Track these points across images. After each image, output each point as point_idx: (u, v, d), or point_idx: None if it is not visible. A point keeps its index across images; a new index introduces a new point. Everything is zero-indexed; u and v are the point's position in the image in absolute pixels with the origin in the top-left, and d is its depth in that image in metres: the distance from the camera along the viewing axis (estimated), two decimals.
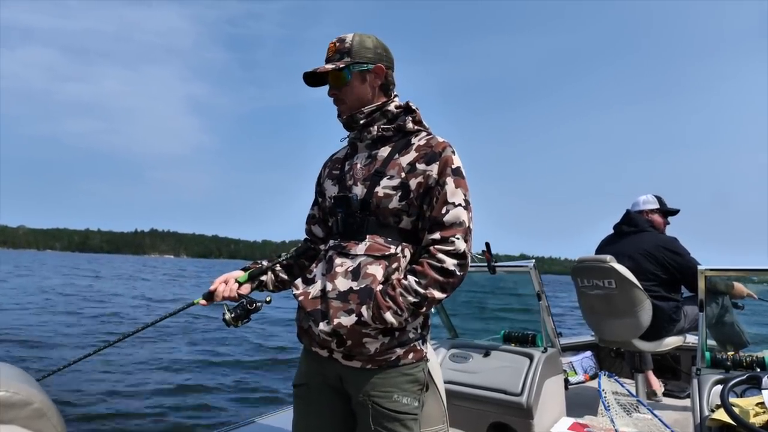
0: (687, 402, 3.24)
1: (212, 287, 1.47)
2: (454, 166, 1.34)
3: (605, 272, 3.06)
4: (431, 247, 1.31)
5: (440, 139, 1.39)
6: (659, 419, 2.66)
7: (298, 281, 1.44)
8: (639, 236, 3.24)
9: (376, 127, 1.42)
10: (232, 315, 1.44)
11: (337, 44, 1.42)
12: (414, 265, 1.32)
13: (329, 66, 1.40)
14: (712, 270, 2.28)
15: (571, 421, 2.61)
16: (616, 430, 2.55)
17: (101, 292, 20.25)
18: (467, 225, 1.33)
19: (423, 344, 1.39)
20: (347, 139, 1.51)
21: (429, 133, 1.43)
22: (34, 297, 16.86)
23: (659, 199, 3.42)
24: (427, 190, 1.33)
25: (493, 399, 2.51)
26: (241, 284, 1.49)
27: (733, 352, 2.14)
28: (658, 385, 3.33)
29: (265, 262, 1.55)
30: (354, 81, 1.41)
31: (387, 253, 1.32)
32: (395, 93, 1.48)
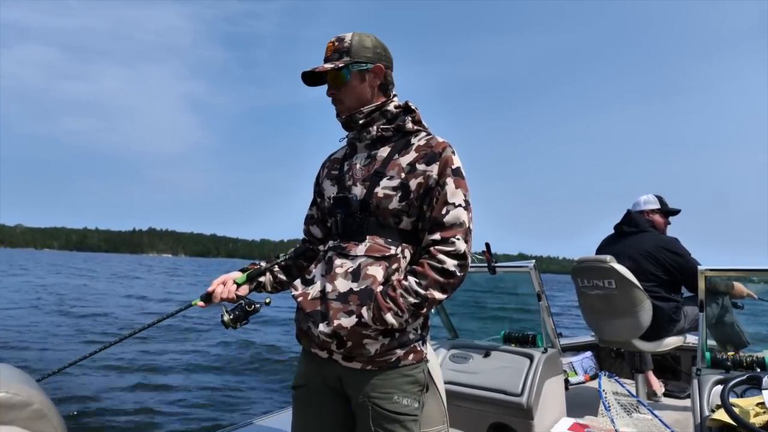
0: (687, 402, 3.24)
1: (210, 289, 1.46)
2: (454, 167, 1.34)
3: (605, 272, 3.06)
4: (431, 248, 1.30)
5: (440, 139, 1.38)
6: (659, 419, 2.66)
7: (297, 282, 1.43)
8: (640, 236, 3.23)
9: (375, 127, 1.42)
10: (231, 317, 1.43)
11: (336, 43, 1.41)
12: (414, 266, 1.31)
13: (328, 65, 1.39)
14: (712, 270, 2.28)
15: (571, 421, 2.61)
16: (616, 430, 2.54)
17: (94, 292, 20.17)
18: (467, 225, 1.32)
19: (423, 345, 1.38)
20: (346, 139, 1.50)
21: (428, 133, 1.42)
22: (27, 296, 16.84)
23: (660, 200, 3.41)
24: (427, 191, 1.33)
25: (493, 399, 2.51)
26: (239, 285, 1.47)
27: (733, 352, 2.14)
28: (658, 386, 3.33)
29: (263, 263, 1.54)
30: (353, 80, 1.40)
31: (387, 254, 1.31)
32: (394, 93, 1.48)
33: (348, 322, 1.26)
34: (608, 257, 3.06)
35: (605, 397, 2.73)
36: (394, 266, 1.31)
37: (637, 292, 3.00)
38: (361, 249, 1.32)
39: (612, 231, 3.46)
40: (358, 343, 1.27)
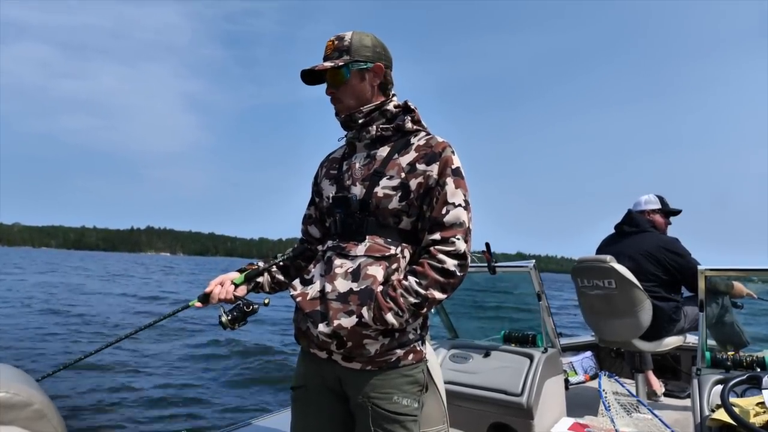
0: (687, 402, 3.24)
1: (208, 289, 1.45)
2: (453, 167, 1.34)
3: (605, 272, 3.06)
4: (432, 248, 1.30)
5: (440, 139, 1.38)
6: (659, 419, 2.66)
7: (296, 282, 1.42)
8: (640, 236, 3.23)
9: (375, 126, 1.41)
10: (229, 317, 1.42)
11: (336, 42, 1.40)
12: (414, 266, 1.31)
13: (328, 64, 1.38)
14: (712, 270, 2.28)
15: (571, 421, 2.61)
16: (616, 430, 2.54)
17: (87, 291, 20.11)
18: (467, 225, 1.32)
19: (422, 345, 1.38)
20: (345, 138, 1.49)
21: (428, 133, 1.42)
22: (18, 294, 16.81)
23: (661, 200, 3.41)
24: (428, 191, 1.32)
25: (493, 399, 2.50)
26: (237, 286, 1.46)
27: (733, 352, 2.14)
28: (658, 385, 3.33)
29: (261, 263, 1.53)
30: (353, 79, 1.39)
31: (387, 254, 1.31)
32: (393, 93, 1.47)
33: (348, 322, 1.26)
34: (608, 257, 3.06)
35: (605, 397, 2.73)
36: (394, 266, 1.31)
37: (637, 292, 3.00)
38: (360, 249, 1.32)
39: (612, 231, 3.46)
40: (358, 343, 1.27)
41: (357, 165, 1.41)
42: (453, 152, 1.35)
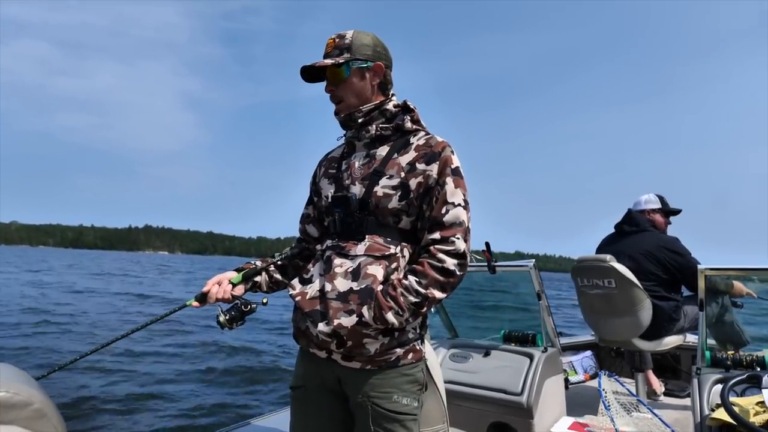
0: (687, 401, 3.24)
1: (205, 288, 1.44)
2: (453, 166, 1.34)
3: (605, 272, 3.05)
4: (431, 247, 1.30)
5: (439, 139, 1.37)
6: (659, 418, 2.66)
7: (295, 281, 1.42)
8: (640, 236, 3.23)
9: (374, 126, 1.41)
10: (227, 317, 1.41)
11: (337, 40, 1.39)
12: (414, 265, 1.31)
13: (328, 61, 1.37)
14: (712, 269, 2.28)
15: (571, 420, 2.61)
16: (616, 429, 2.54)
17: (82, 289, 20.02)
18: (467, 225, 1.32)
19: (422, 344, 1.38)
20: (344, 137, 1.49)
21: (427, 133, 1.42)
22: (11, 290, 16.74)
23: (661, 199, 3.41)
24: (427, 190, 1.32)
25: (493, 399, 2.50)
26: (234, 285, 1.46)
27: (733, 351, 2.15)
28: (658, 385, 3.33)
29: (258, 263, 1.53)
30: (352, 78, 1.39)
31: (387, 253, 1.30)
32: (392, 93, 1.47)
33: (348, 321, 1.25)
34: (608, 256, 3.05)
35: (605, 396, 2.73)
36: (394, 265, 1.31)
37: (637, 291, 2.99)
38: (360, 248, 1.32)
39: (612, 230, 3.46)
40: (358, 342, 1.27)
41: (356, 164, 1.41)
42: (452, 152, 1.35)
